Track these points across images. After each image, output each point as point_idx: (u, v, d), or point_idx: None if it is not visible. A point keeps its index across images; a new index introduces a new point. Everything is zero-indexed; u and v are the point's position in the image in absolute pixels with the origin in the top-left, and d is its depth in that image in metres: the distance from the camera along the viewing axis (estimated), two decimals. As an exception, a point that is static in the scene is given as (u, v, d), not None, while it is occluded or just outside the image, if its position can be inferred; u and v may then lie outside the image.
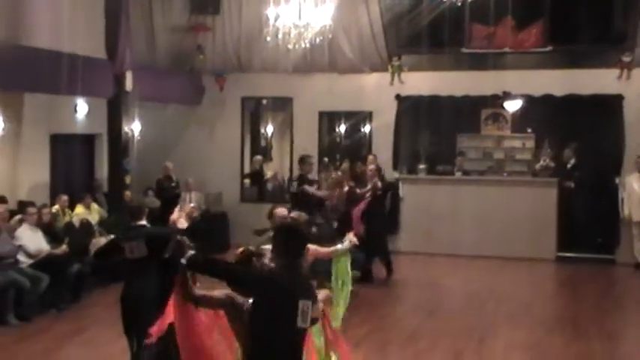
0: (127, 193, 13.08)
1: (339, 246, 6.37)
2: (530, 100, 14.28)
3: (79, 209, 11.71)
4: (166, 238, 5.88)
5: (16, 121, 11.51)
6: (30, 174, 12.05)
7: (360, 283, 11.32)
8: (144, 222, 6.66)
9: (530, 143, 15.71)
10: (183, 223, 6.98)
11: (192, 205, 7.25)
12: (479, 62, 14.06)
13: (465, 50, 14.12)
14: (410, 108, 14.93)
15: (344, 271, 6.29)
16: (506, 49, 13.99)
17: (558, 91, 13.59)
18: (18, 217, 10.15)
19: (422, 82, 14.28)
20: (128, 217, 7.03)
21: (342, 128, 16.58)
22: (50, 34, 11.60)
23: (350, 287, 6.27)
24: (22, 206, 10.63)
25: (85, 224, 11.28)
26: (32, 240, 9.81)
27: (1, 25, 10.34)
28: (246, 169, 15.89)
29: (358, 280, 11.51)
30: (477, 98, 14.38)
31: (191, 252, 4.33)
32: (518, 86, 13.87)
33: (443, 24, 13.75)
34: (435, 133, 15.42)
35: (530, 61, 14.03)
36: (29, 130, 11.94)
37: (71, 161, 13.44)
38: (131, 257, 6.36)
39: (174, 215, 7.07)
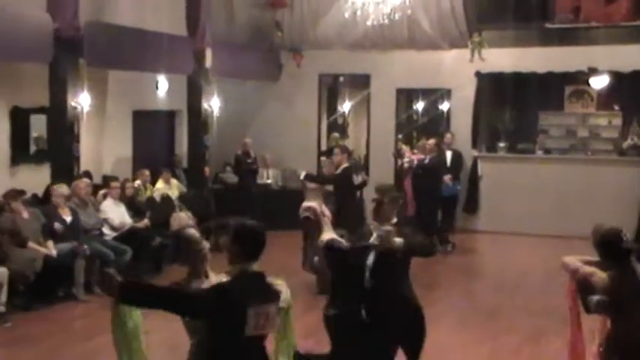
0: (206, 168, 13.30)
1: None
2: (617, 77, 13.71)
3: (160, 184, 11.97)
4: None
5: (101, 98, 11.79)
6: (114, 149, 12.38)
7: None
8: None
9: (617, 121, 15.10)
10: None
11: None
12: (563, 37, 13.56)
13: (549, 25, 13.66)
14: (490, 85, 14.59)
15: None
16: (593, 23, 13.46)
17: (649, 67, 13.02)
18: (103, 191, 10.47)
19: (502, 58, 13.90)
20: None
21: (419, 105, 16.36)
22: (133, 11, 11.84)
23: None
24: (107, 180, 10.95)
25: (166, 199, 11.54)
26: (116, 213, 10.11)
27: (87, 4, 10.57)
28: (323, 146, 15.90)
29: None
30: (561, 74, 13.89)
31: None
32: (606, 62, 13.32)
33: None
34: (515, 110, 15.03)
35: (619, 35, 13.42)
36: (113, 106, 12.24)
37: (152, 137, 13.72)
38: None
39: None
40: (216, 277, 4.44)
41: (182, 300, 3.77)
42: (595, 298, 4.60)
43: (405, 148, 13.10)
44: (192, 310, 3.77)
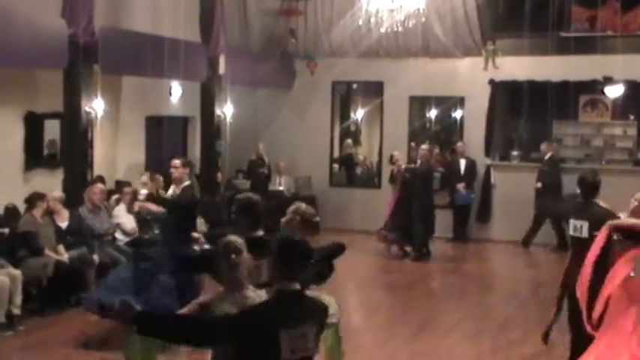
0: (219, 175, 13.29)
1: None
2: (633, 86, 13.65)
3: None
4: None
5: (114, 103, 11.81)
6: (127, 155, 12.38)
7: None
8: None
9: (632, 131, 15.01)
10: None
11: None
12: (579, 46, 13.48)
13: (564, 34, 13.59)
14: (504, 93, 14.52)
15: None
16: (609, 33, 13.38)
17: (664, 77, 12.93)
18: (115, 196, 10.48)
19: (516, 67, 13.87)
20: None
21: (432, 113, 16.32)
22: (148, 17, 11.86)
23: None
24: (119, 186, 10.96)
25: (178, 205, 11.51)
26: (128, 219, 10.11)
27: (101, 10, 10.61)
28: (336, 154, 15.89)
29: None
30: (576, 83, 13.80)
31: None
32: (621, 71, 13.23)
33: (540, 6, 13.26)
34: (529, 119, 14.94)
35: (635, 45, 13.33)
36: (126, 112, 12.25)
37: (165, 143, 13.72)
38: None
39: None
40: (254, 294, 3.99)
41: (203, 330, 3.31)
42: None
43: (396, 155, 13.03)
44: (215, 340, 3.39)
